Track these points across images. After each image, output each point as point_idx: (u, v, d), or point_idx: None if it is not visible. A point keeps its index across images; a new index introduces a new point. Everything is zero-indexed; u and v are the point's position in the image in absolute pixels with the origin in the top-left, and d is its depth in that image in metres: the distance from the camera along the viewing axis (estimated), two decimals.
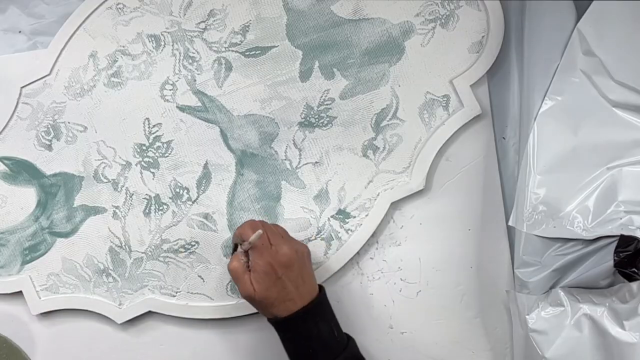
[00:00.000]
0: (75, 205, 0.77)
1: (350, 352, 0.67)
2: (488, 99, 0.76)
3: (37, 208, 0.78)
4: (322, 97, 0.77)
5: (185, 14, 0.77)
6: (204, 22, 0.77)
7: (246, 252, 0.66)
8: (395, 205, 0.76)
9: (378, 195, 0.76)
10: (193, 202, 0.77)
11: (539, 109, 0.71)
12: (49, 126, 0.78)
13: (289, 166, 0.76)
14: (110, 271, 0.77)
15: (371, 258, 0.77)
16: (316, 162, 0.77)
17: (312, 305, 0.66)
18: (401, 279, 0.76)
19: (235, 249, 0.69)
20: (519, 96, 0.74)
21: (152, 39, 0.77)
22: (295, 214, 0.76)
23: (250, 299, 0.66)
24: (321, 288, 0.68)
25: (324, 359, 0.65)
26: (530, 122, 0.71)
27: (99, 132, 0.77)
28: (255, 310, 0.75)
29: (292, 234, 0.72)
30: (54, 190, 0.77)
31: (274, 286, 0.65)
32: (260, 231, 0.65)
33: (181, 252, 0.77)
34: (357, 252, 0.76)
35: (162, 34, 0.77)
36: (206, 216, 0.77)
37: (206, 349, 0.77)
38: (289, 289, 0.65)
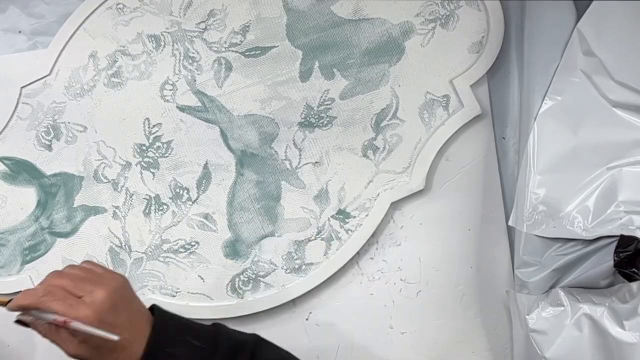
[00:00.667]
0: (75, 205, 0.77)
1: (223, 351, 0.56)
2: (488, 99, 0.76)
3: (37, 208, 0.78)
4: (322, 97, 0.77)
5: (185, 14, 0.77)
6: (204, 22, 0.77)
7: (50, 323, 0.53)
8: (395, 205, 0.76)
9: (378, 195, 0.76)
10: (193, 202, 0.77)
11: (539, 109, 0.71)
12: (49, 126, 0.78)
13: (289, 166, 0.76)
14: None
15: (371, 258, 0.77)
16: (316, 162, 0.77)
17: (152, 341, 0.54)
18: (401, 279, 0.76)
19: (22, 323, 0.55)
20: (519, 96, 0.74)
21: (152, 39, 0.77)
22: (295, 214, 0.76)
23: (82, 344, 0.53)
24: (153, 309, 0.58)
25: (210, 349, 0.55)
26: (530, 122, 0.71)
27: (99, 132, 0.77)
28: (255, 310, 0.75)
29: (292, 234, 0.73)
30: (54, 190, 0.78)
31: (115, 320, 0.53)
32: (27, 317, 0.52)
33: (181, 252, 0.77)
34: (357, 252, 0.76)
35: (162, 34, 0.77)
36: (206, 216, 0.77)
37: None
38: (124, 335, 0.52)
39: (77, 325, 0.51)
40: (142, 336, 0.54)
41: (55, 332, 0.54)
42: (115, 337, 0.50)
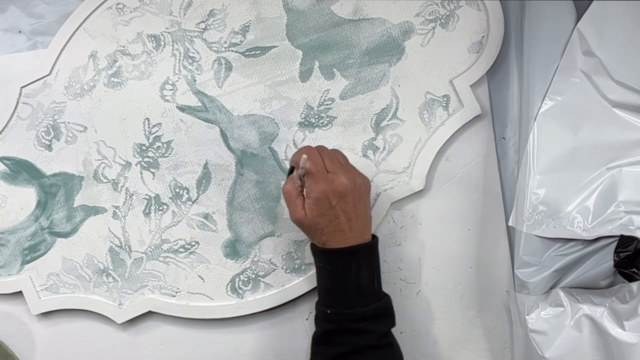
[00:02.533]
0: (75, 205, 0.78)
1: (382, 305, 0.65)
2: (488, 99, 0.76)
3: (37, 208, 0.78)
4: (322, 97, 0.77)
5: (185, 14, 0.77)
6: (204, 22, 0.77)
7: (301, 177, 0.65)
8: (395, 205, 0.76)
9: (378, 195, 0.76)
10: (193, 202, 0.77)
11: (539, 109, 0.71)
12: (49, 126, 0.78)
13: (289, 166, 0.76)
14: (110, 271, 0.77)
15: None
16: None
17: (360, 247, 0.64)
18: (401, 279, 0.76)
19: (291, 172, 0.69)
20: (519, 96, 0.74)
21: (152, 39, 0.77)
22: None
23: (299, 223, 0.65)
24: (374, 237, 0.67)
25: (354, 303, 0.64)
26: (530, 122, 0.71)
27: (99, 132, 0.77)
28: (255, 310, 0.76)
29: (292, 234, 0.72)
30: (54, 190, 0.78)
31: (326, 214, 0.63)
32: (305, 156, 0.64)
33: (181, 252, 0.77)
34: None
35: (162, 34, 0.77)
36: (206, 216, 0.77)
37: (206, 349, 0.77)
38: (340, 219, 0.64)
39: (309, 165, 0.64)
40: (357, 235, 0.64)
41: (297, 195, 0.65)
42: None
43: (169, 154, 0.77)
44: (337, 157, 0.67)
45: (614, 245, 0.67)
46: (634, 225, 0.66)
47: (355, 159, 0.76)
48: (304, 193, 0.65)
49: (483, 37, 0.75)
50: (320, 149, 0.67)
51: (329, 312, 0.64)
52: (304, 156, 0.64)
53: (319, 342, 0.65)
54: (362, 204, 0.65)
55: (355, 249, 0.64)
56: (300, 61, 0.77)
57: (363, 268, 0.64)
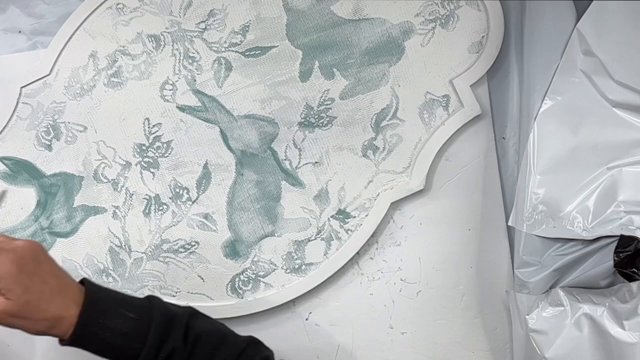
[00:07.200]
0: (75, 205, 0.77)
1: (158, 322, 0.57)
2: (488, 99, 0.76)
3: (37, 208, 0.78)
4: (322, 97, 0.77)
5: (185, 14, 0.77)
6: (204, 22, 0.77)
7: None
8: (395, 205, 0.76)
9: (378, 195, 0.76)
10: (193, 202, 0.77)
11: (539, 109, 0.71)
12: (49, 126, 0.78)
13: (289, 166, 0.76)
14: (110, 271, 0.77)
15: (371, 258, 0.77)
16: (316, 162, 0.77)
17: (85, 313, 0.54)
18: (401, 279, 0.76)
19: None
20: (519, 96, 0.74)
21: (152, 39, 0.77)
22: (295, 214, 0.76)
23: (9, 316, 0.53)
24: (84, 282, 0.58)
25: (135, 348, 0.55)
26: (530, 122, 0.71)
27: (98, 132, 0.77)
28: (255, 310, 0.75)
29: (292, 234, 0.72)
30: (54, 190, 0.78)
31: (31, 284, 0.53)
32: None
33: (181, 252, 0.77)
34: (357, 252, 0.76)
35: (162, 34, 0.77)
36: (206, 216, 0.77)
37: None
38: (50, 282, 0.54)
39: None
40: (74, 308, 0.54)
41: None
42: None
43: (169, 154, 0.77)
44: None
45: (614, 245, 0.67)
46: (634, 225, 0.66)
47: (355, 159, 0.76)
48: None
49: (483, 37, 0.75)
50: None
51: None
52: None
53: None
54: (56, 276, 0.55)
55: (82, 317, 0.54)
56: (300, 61, 0.77)
57: (107, 321, 0.55)
